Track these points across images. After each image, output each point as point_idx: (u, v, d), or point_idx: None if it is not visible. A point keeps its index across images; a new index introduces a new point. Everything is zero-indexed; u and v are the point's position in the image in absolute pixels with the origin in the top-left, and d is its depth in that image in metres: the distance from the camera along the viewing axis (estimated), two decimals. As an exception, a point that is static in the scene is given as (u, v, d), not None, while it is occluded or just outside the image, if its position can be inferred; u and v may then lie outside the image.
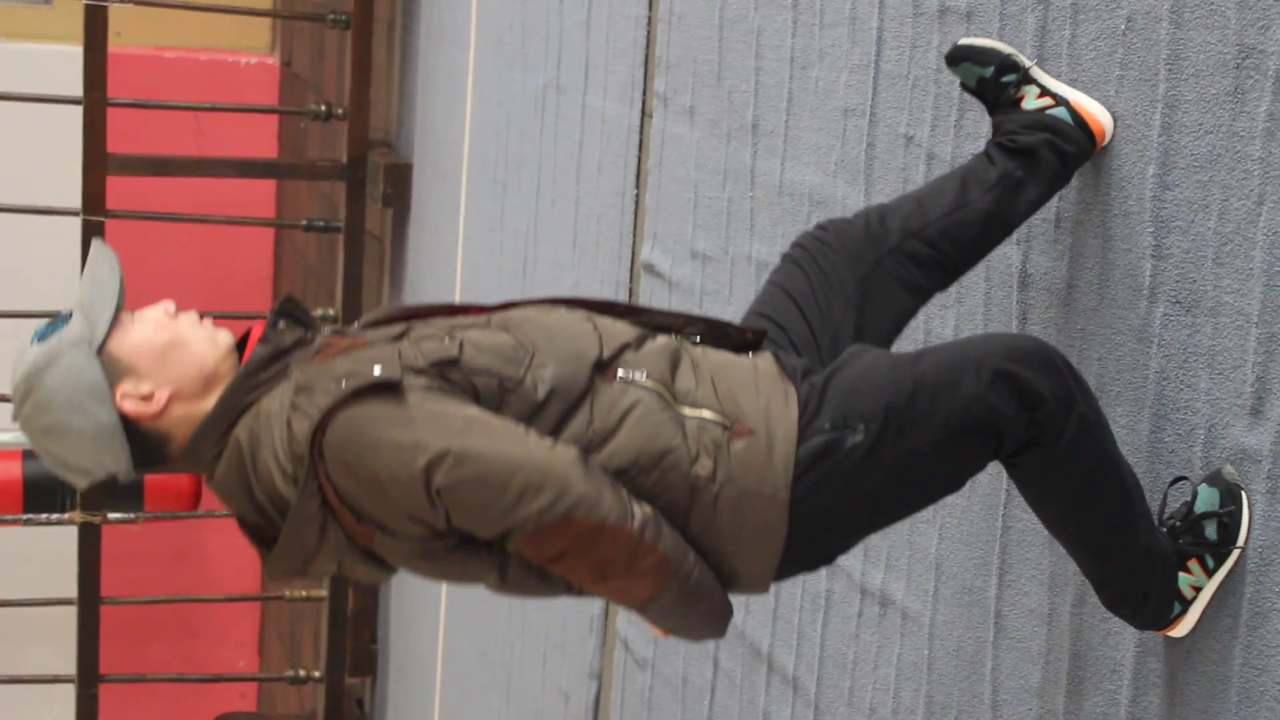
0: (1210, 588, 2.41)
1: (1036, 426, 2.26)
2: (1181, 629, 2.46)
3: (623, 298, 4.79)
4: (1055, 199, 2.81)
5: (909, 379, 2.27)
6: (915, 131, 3.26)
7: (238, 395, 2.24)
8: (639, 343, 2.32)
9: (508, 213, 5.88)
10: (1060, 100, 2.69)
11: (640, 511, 2.18)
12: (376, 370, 2.16)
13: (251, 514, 2.27)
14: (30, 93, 7.23)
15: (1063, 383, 2.28)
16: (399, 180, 7.33)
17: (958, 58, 2.75)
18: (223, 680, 9.30)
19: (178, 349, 2.27)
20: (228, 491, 2.28)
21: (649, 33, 4.64)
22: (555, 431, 2.22)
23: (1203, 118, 2.48)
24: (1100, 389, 2.69)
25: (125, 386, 2.24)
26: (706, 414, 2.26)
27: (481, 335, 2.26)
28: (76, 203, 6.97)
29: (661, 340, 2.35)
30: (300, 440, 2.15)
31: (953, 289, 3.11)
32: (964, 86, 2.79)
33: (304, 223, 7.66)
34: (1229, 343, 2.43)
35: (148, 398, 2.26)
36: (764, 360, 2.36)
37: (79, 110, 6.85)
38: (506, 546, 2.20)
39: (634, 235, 4.73)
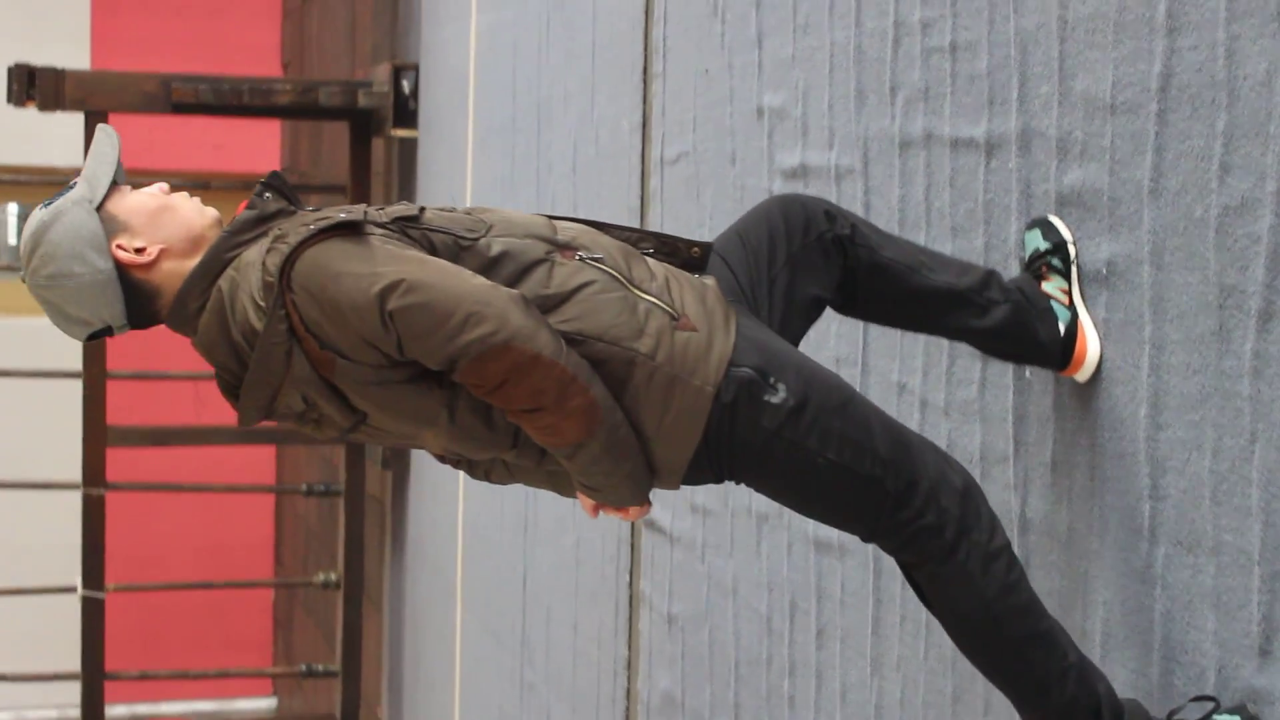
0: None
1: (919, 535, 2.40)
2: None
3: (624, 562, 4.77)
4: (1049, 442, 2.81)
5: (846, 396, 2.46)
6: (907, 380, 3.27)
7: (222, 250, 2.46)
8: (593, 236, 2.53)
9: (507, 471, 5.87)
10: (1071, 307, 2.72)
11: (575, 356, 2.36)
12: (342, 214, 2.40)
13: (229, 359, 2.45)
14: (30, 368, 7.29)
15: (966, 509, 2.42)
16: (398, 441, 7.34)
17: (1035, 224, 2.81)
18: None
19: (169, 211, 2.49)
20: (209, 341, 2.46)
21: (640, 289, 4.69)
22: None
23: (1190, 358, 2.49)
24: (1107, 633, 2.66)
25: (120, 240, 2.45)
26: (659, 301, 2.45)
27: (444, 211, 2.51)
28: (77, 475, 6.98)
29: (613, 241, 2.55)
30: (272, 273, 2.36)
31: (953, 535, 3.09)
32: (1023, 251, 2.84)
33: (304, 488, 7.66)
34: (1233, 582, 2.40)
35: (141, 250, 2.46)
36: (710, 281, 2.56)
37: (79, 384, 6.90)
38: (454, 378, 2.37)
39: (633, 490, 4.72)
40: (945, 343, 3.13)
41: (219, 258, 2.45)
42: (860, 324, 3.43)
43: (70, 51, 9.76)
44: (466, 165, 6.59)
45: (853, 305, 2.77)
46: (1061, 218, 2.78)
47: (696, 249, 2.61)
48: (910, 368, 3.27)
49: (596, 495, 2.50)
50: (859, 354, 3.44)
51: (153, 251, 2.46)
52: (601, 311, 2.41)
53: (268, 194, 2.53)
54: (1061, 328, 2.70)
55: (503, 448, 2.49)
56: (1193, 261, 2.48)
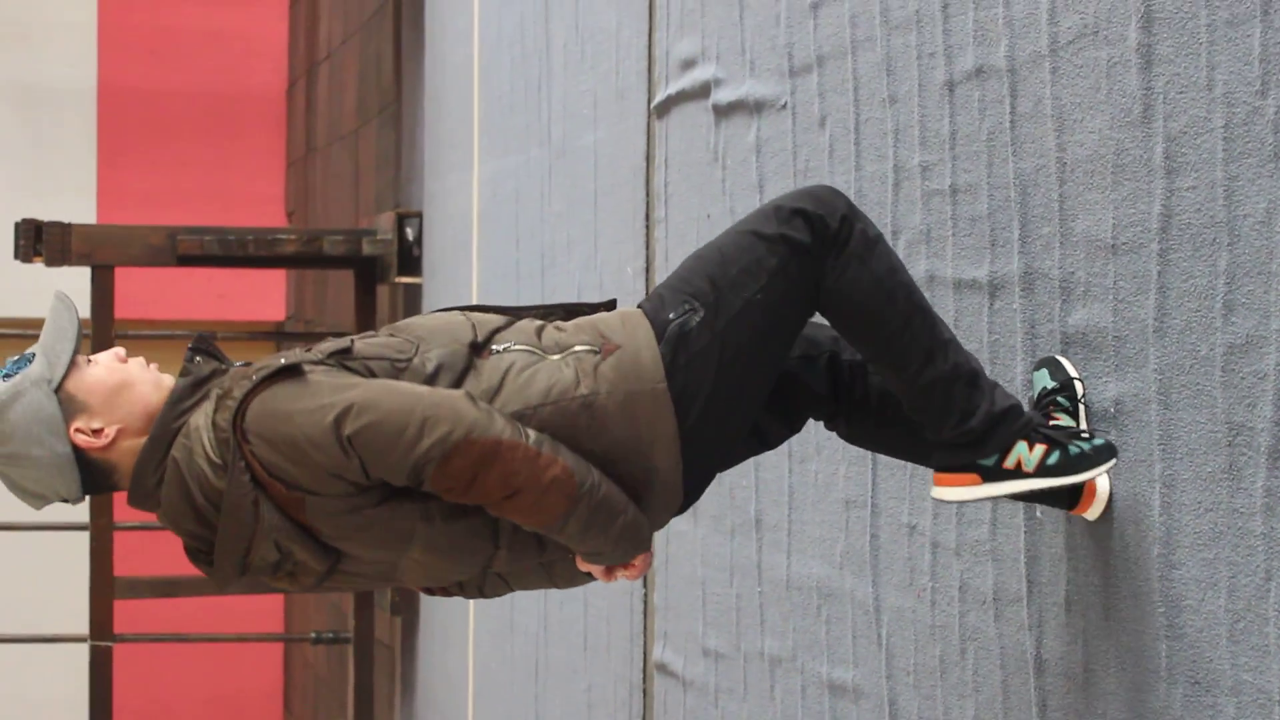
0: None
1: (829, 240, 2.56)
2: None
3: (637, 708, 4.74)
4: (1062, 582, 2.80)
5: (716, 250, 2.60)
6: (918, 520, 3.27)
7: (169, 421, 2.49)
8: (508, 325, 2.63)
9: (516, 613, 5.86)
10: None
11: (534, 433, 2.43)
12: (282, 359, 2.46)
13: (195, 526, 2.47)
14: (37, 520, 7.28)
15: (845, 208, 2.58)
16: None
17: (1042, 364, 2.85)
18: None
19: (126, 390, 2.51)
20: (173, 511, 2.48)
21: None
22: None
23: (1201, 496, 2.49)
24: (1128, 775, 2.64)
25: (78, 422, 2.49)
26: (577, 348, 2.54)
27: (372, 339, 2.57)
28: (84, 626, 6.95)
29: (527, 321, 2.66)
30: (224, 428, 2.41)
31: (969, 677, 3.08)
32: (1031, 391, 2.87)
33: (313, 635, 7.62)
34: (1253, 722, 2.39)
35: (98, 432, 2.50)
36: (618, 306, 2.71)
37: (86, 536, 6.89)
38: (424, 488, 2.41)
39: (645, 635, 4.70)
40: (955, 483, 3.13)
41: (167, 429, 2.48)
42: (869, 466, 3.44)
43: (77, 205, 9.85)
44: (471, 310, 6.62)
45: (861, 433, 2.81)
46: (1068, 357, 2.79)
47: (603, 307, 2.71)
48: (920, 509, 3.26)
49: (602, 559, 2.55)
50: (868, 496, 3.44)
51: (110, 433, 2.50)
52: (534, 382, 2.49)
53: (198, 358, 2.57)
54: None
55: (483, 553, 2.53)
56: (1200, 400, 2.49)
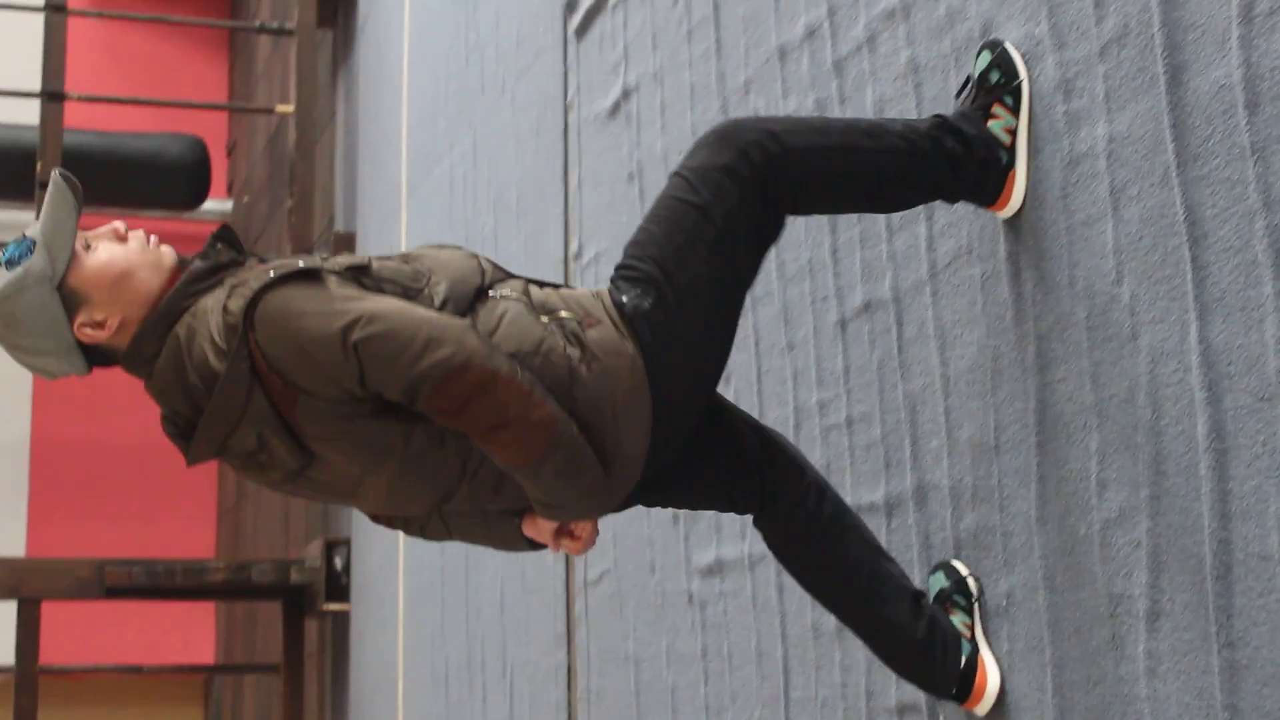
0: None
1: (763, 164, 2.63)
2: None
3: None
4: (969, 787, 2.86)
5: (655, 225, 2.67)
6: (829, 748, 3.31)
7: (179, 298, 2.58)
8: (506, 277, 2.73)
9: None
10: (973, 641, 2.83)
11: (528, 374, 2.50)
12: (300, 262, 2.54)
13: (181, 403, 2.57)
14: None
15: (750, 135, 2.65)
16: None
17: (938, 567, 2.93)
18: None
19: (127, 279, 2.60)
20: (163, 385, 2.58)
21: (569, 715, 4.72)
22: None
23: (1089, 670, 2.57)
24: None
25: (81, 317, 2.59)
26: (562, 313, 2.63)
27: (387, 262, 2.64)
28: None
29: (518, 279, 2.75)
30: (235, 314, 2.49)
31: None
32: (929, 593, 2.92)
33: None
34: None
35: (101, 324, 2.59)
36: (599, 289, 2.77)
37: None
38: (417, 406, 2.47)
39: None
40: (861, 709, 3.18)
41: (176, 306, 2.58)
42: (779, 705, 3.49)
43: (4, 551, 9.85)
44: (398, 632, 6.66)
45: (786, 547, 2.85)
46: (961, 559, 2.90)
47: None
48: (831, 738, 3.31)
49: (558, 513, 2.59)
50: (782, 734, 3.49)
51: (113, 324, 2.59)
52: (528, 333, 2.57)
53: (219, 244, 2.66)
54: (963, 660, 2.79)
55: (446, 486, 2.59)
56: (1082, 578, 2.60)
